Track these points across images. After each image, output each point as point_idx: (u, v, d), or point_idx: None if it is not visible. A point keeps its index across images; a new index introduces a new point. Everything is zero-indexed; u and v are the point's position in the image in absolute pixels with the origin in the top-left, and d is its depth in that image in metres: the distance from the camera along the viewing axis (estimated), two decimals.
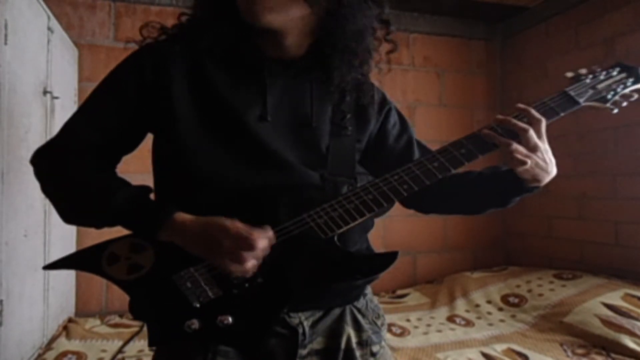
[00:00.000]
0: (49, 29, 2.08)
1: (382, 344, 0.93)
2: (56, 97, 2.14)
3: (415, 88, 3.34)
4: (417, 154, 1.00)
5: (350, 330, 0.88)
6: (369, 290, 0.96)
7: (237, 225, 0.72)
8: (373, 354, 0.90)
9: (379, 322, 0.93)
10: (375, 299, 0.98)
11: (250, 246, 0.71)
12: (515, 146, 0.80)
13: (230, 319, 0.75)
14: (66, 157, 0.83)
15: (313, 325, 0.85)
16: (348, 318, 0.89)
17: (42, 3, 1.99)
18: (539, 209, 3.18)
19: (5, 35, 1.58)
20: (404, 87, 3.31)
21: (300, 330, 0.83)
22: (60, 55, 2.26)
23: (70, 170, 0.82)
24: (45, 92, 2.03)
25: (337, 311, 0.89)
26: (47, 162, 0.84)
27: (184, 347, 0.80)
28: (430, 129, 3.27)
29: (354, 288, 0.90)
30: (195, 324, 0.75)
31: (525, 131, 0.80)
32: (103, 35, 2.70)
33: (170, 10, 2.77)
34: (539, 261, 3.12)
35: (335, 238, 0.78)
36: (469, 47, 3.51)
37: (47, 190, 0.84)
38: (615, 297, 2.26)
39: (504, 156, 0.82)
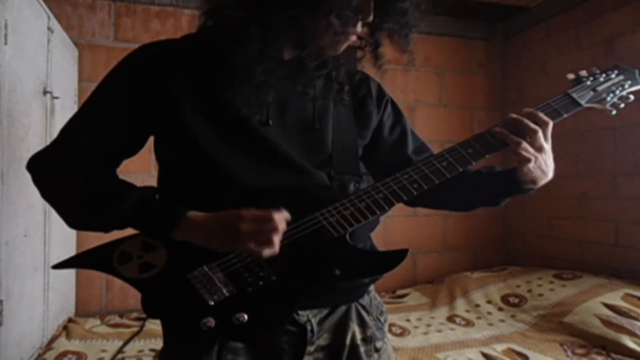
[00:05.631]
0: (49, 29, 2.08)
1: (385, 339, 0.94)
2: (56, 97, 2.14)
3: (415, 88, 3.34)
4: (411, 147, 1.00)
5: (355, 327, 0.90)
6: (372, 287, 0.97)
7: (251, 210, 0.74)
8: (377, 350, 0.91)
9: (382, 319, 0.95)
10: (378, 296, 0.99)
11: (269, 223, 0.72)
12: (525, 145, 0.83)
13: (245, 317, 0.77)
14: (65, 163, 0.82)
15: (320, 323, 0.87)
16: (353, 315, 0.90)
17: (42, 3, 1.99)
18: (539, 209, 3.18)
19: (5, 35, 1.59)
20: (404, 87, 3.31)
21: (309, 328, 0.85)
22: (60, 55, 2.26)
23: (70, 176, 0.81)
24: (45, 92, 2.03)
25: (342, 308, 0.90)
26: (46, 169, 0.83)
27: (194, 344, 0.81)
28: (430, 129, 3.26)
29: (359, 286, 0.91)
30: (211, 322, 0.76)
31: (535, 132, 0.83)
32: (103, 35, 2.70)
33: (170, 10, 2.75)
34: (539, 261, 3.12)
35: (347, 236, 0.79)
36: (469, 47, 3.51)
37: (48, 197, 0.83)
38: (615, 297, 2.26)
39: (512, 154, 0.84)
